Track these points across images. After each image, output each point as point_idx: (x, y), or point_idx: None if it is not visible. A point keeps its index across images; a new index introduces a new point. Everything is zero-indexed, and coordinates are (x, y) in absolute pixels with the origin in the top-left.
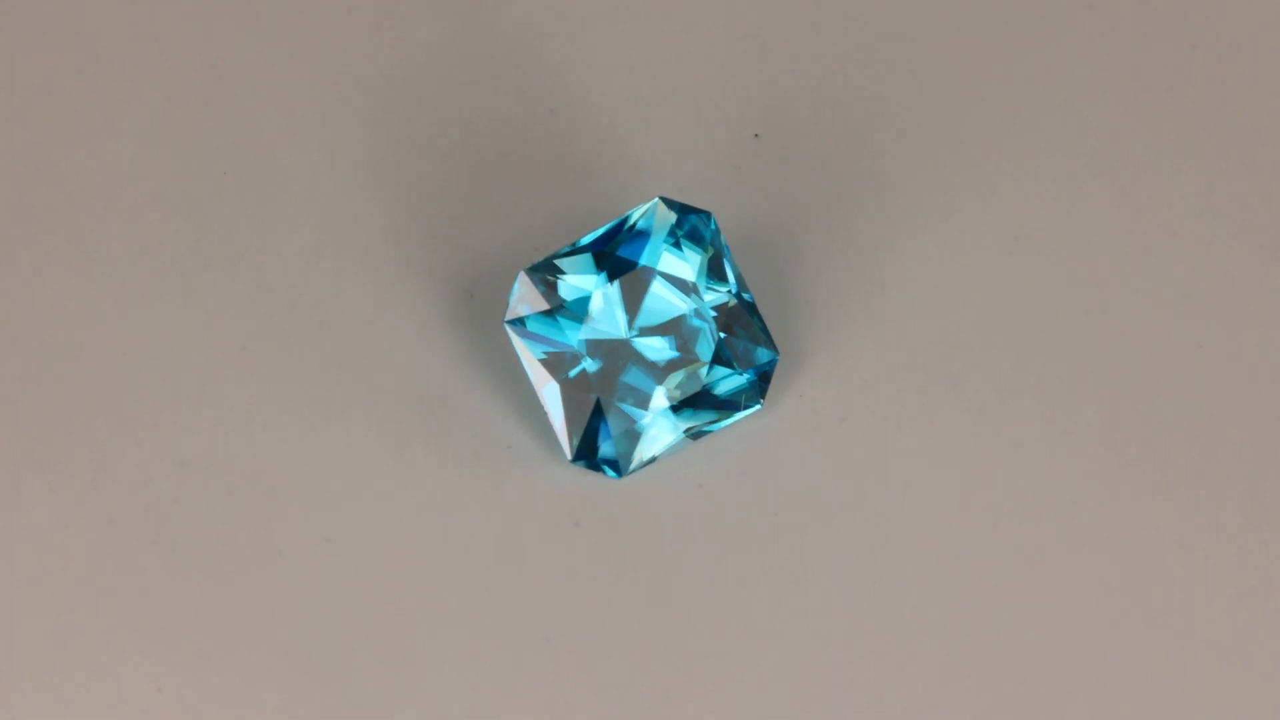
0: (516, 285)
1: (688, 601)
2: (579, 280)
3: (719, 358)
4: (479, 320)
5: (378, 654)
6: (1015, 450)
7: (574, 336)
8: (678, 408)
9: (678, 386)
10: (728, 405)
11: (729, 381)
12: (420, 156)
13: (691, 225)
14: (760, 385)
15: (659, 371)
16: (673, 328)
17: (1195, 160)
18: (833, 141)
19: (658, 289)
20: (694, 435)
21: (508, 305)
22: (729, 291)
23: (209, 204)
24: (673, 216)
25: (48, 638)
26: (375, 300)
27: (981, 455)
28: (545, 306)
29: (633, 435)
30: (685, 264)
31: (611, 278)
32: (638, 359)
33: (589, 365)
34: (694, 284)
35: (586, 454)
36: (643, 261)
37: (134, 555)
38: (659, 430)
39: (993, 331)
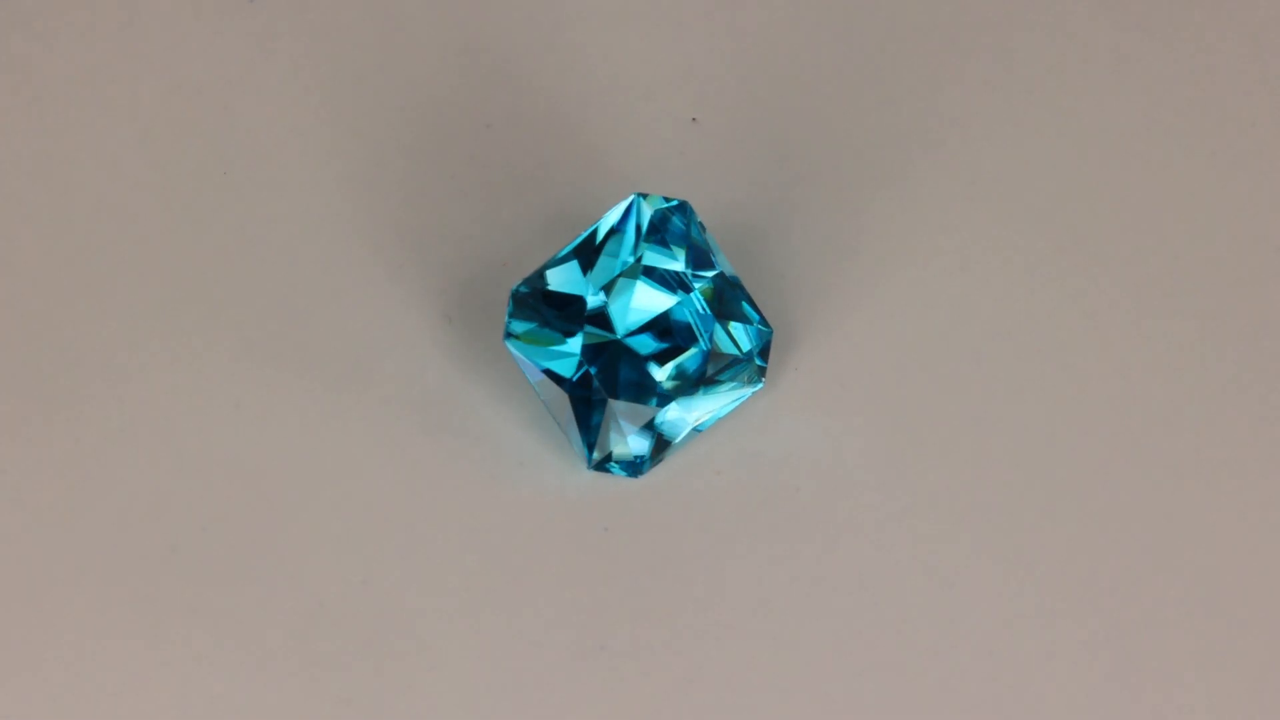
0: (510, 303)
1: (729, 588)
2: (569, 289)
3: (715, 343)
4: (474, 331)
5: (425, 676)
6: (1016, 394)
7: (573, 345)
8: (683, 398)
9: (679, 378)
10: (731, 389)
11: (728, 365)
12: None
13: (670, 217)
14: (759, 364)
15: (659, 366)
16: (666, 321)
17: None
18: (781, 123)
19: (646, 286)
20: (702, 424)
21: (506, 324)
22: (715, 275)
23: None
24: (650, 211)
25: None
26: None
27: (983, 400)
28: (540, 320)
29: (644, 433)
30: (669, 256)
31: (599, 282)
32: (636, 357)
33: (591, 371)
34: (680, 274)
35: (603, 459)
36: (627, 260)
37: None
38: (668, 424)
39: (972, 284)
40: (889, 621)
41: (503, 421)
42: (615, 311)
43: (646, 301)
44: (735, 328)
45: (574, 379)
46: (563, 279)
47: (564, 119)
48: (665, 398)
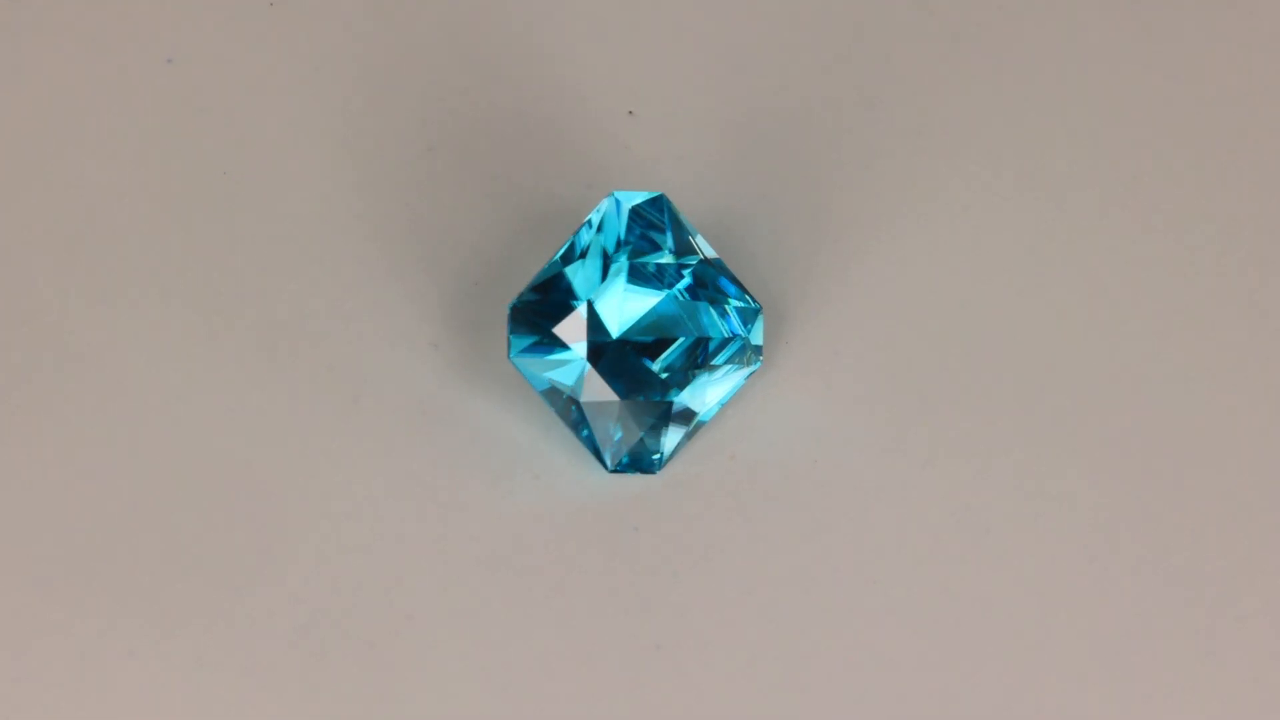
0: (509, 321)
1: (769, 571)
2: (562, 297)
3: (708, 328)
4: (471, 342)
5: (486, 696)
6: (1004, 345)
7: (574, 352)
8: (687, 388)
9: (680, 368)
10: (730, 371)
11: (725, 347)
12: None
13: (649, 211)
14: (754, 344)
15: (659, 359)
16: (658, 315)
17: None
18: (746, 110)
19: (634, 283)
20: (709, 411)
21: (508, 341)
22: (699, 261)
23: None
24: (628, 208)
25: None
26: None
27: (974, 356)
28: (540, 332)
29: (656, 428)
30: (653, 250)
31: (590, 286)
32: (636, 355)
33: (596, 374)
34: (666, 266)
35: (621, 459)
36: (614, 260)
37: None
38: (677, 415)
39: (952, 246)
40: (931, 575)
41: (510, 435)
42: (609, 313)
43: (637, 298)
44: (726, 309)
45: (580, 385)
46: (554, 288)
47: (533, 120)
48: (670, 389)
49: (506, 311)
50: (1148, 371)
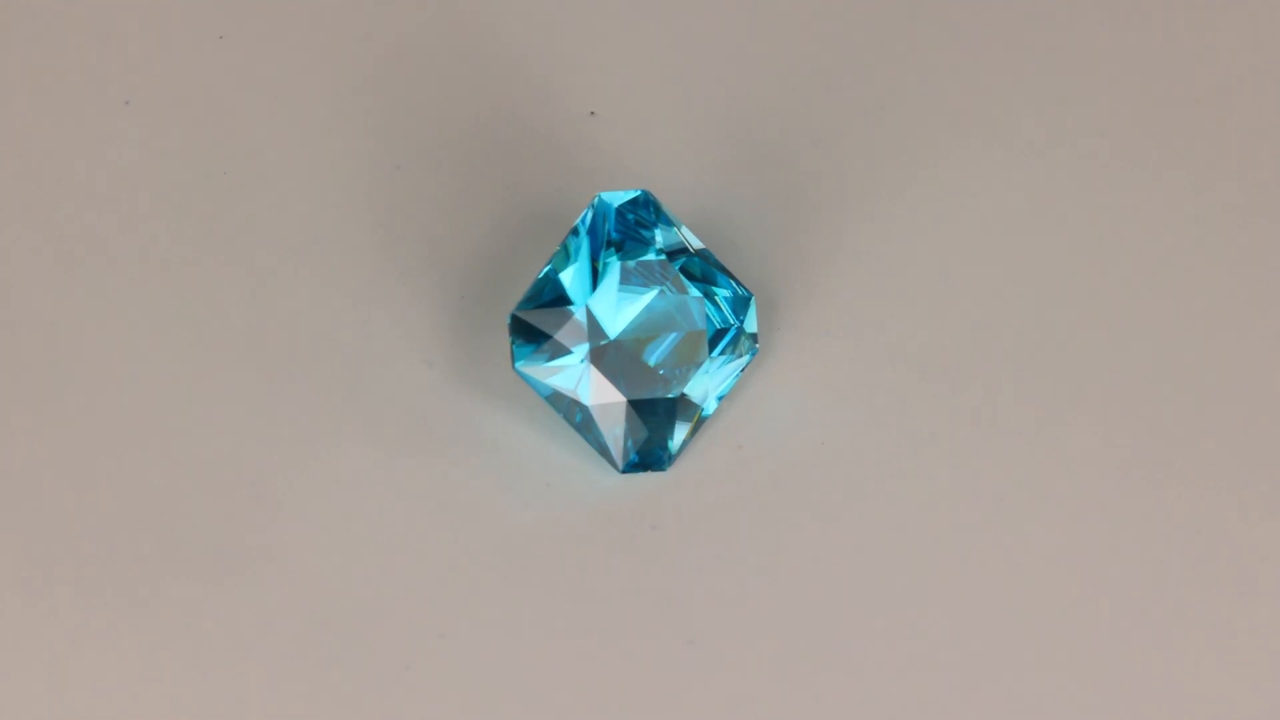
0: (510, 331)
1: (792, 558)
2: (558, 304)
3: (704, 320)
4: (467, 353)
5: (526, 705)
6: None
7: (575, 356)
8: (688, 381)
9: (679, 362)
10: (729, 361)
11: (721, 338)
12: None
13: (634, 209)
14: (749, 331)
15: (659, 356)
16: (653, 311)
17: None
18: (724, 105)
19: (626, 282)
20: (711, 403)
21: (511, 352)
22: (688, 255)
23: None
24: (614, 208)
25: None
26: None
27: (964, 328)
28: (544, 339)
29: (664, 425)
30: (641, 247)
31: (583, 289)
32: (636, 353)
33: (599, 376)
34: (655, 262)
35: (632, 458)
36: (605, 262)
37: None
38: (682, 410)
39: (932, 224)
40: (952, 543)
41: (516, 444)
42: (605, 315)
43: (631, 298)
44: (718, 300)
45: (584, 389)
46: (550, 295)
47: (498, 127)
48: (671, 384)
49: (506, 322)
50: (1142, 328)
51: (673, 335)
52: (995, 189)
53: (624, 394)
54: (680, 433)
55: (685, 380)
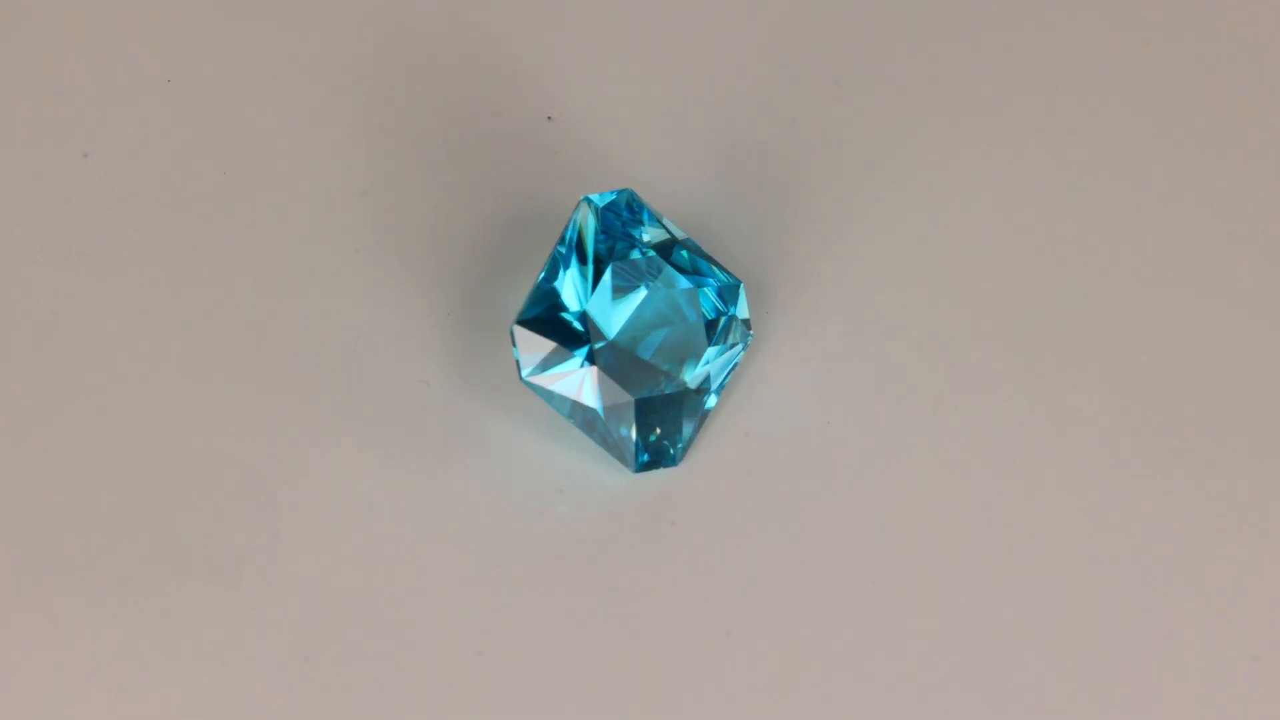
0: (515, 341)
1: (816, 541)
2: (555, 311)
3: (698, 310)
4: (465, 369)
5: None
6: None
7: (580, 360)
8: (689, 374)
9: (679, 357)
10: (725, 350)
11: (716, 327)
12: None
13: (619, 209)
14: (742, 318)
15: (657, 352)
16: (647, 307)
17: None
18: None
19: (620, 281)
20: (713, 393)
21: (516, 364)
22: (676, 248)
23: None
24: (599, 210)
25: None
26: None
27: (958, 288)
28: (548, 347)
29: (669, 420)
30: (629, 246)
31: (579, 294)
32: (636, 351)
33: (604, 379)
34: (647, 259)
35: (642, 457)
36: (595, 264)
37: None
38: (687, 403)
39: (904, 196)
40: (970, 508)
41: (525, 454)
42: (601, 317)
43: (624, 297)
44: (708, 290)
45: (591, 392)
46: (547, 303)
47: (509, 125)
48: (673, 378)
49: (508, 332)
50: (1134, 298)
51: (669, 329)
52: (974, 161)
53: (629, 393)
54: (688, 426)
55: (686, 373)
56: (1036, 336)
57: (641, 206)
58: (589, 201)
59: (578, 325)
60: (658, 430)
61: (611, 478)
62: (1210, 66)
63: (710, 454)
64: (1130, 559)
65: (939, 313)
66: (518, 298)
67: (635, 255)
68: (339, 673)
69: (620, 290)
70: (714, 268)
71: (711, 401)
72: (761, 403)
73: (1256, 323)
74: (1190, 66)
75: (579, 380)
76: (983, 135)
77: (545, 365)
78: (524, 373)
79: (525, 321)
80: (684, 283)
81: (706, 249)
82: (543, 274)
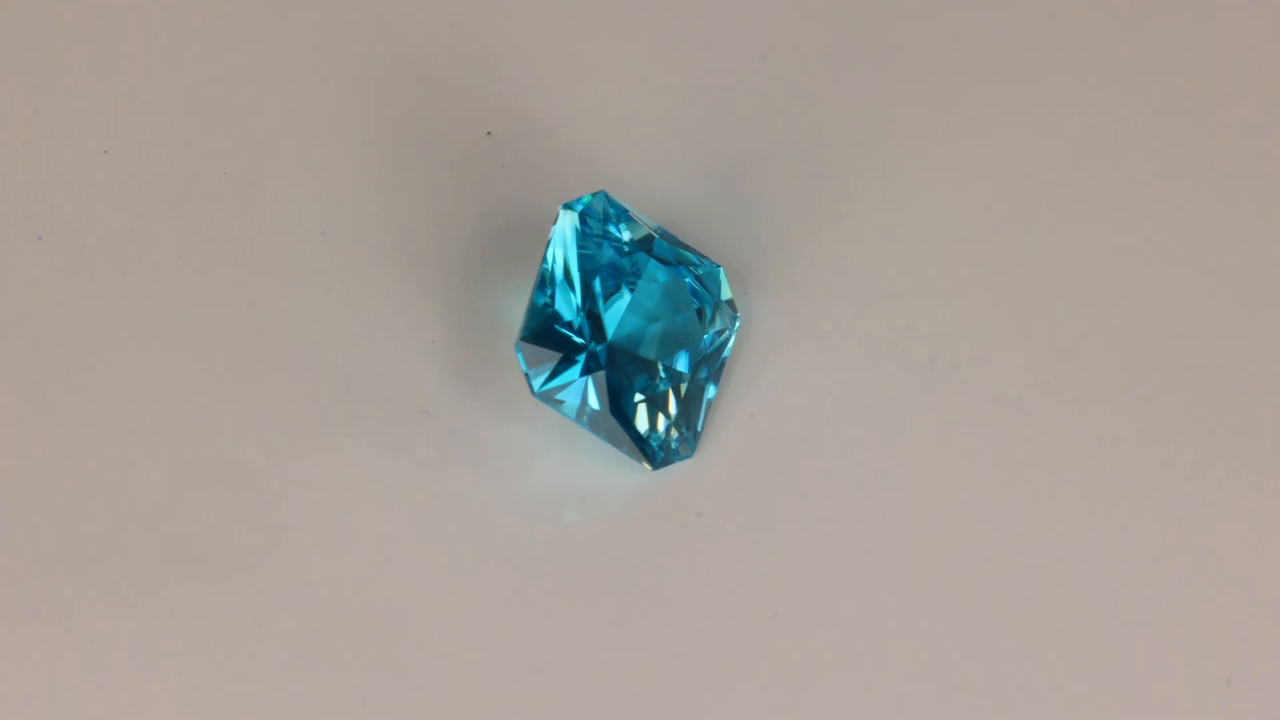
0: (520, 357)
1: (834, 508)
2: (552, 323)
3: (688, 301)
4: (469, 384)
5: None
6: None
7: (585, 367)
8: (687, 363)
9: (676, 349)
10: (717, 334)
11: (706, 315)
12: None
13: (595, 212)
14: (728, 303)
15: (655, 346)
16: (639, 305)
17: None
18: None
19: (609, 283)
20: (714, 380)
21: (527, 378)
22: (655, 242)
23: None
24: (577, 216)
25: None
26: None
27: (935, 246)
28: (553, 360)
29: (680, 412)
30: (611, 247)
31: (572, 303)
32: (635, 350)
33: (612, 382)
34: (632, 259)
35: (659, 455)
36: (581, 271)
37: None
38: (691, 395)
39: (853, 164)
40: (983, 458)
41: (539, 465)
42: (595, 322)
43: (614, 299)
44: (692, 279)
45: (600, 397)
46: (545, 318)
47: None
48: (675, 371)
49: (514, 353)
50: (1114, 274)
51: (662, 323)
52: (934, 128)
53: (636, 391)
54: (697, 416)
55: (686, 364)
56: (1016, 284)
57: (617, 205)
58: (568, 209)
59: (575, 334)
60: (669, 424)
61: (630, 478)
62: (1202, 61)
63: (720, 441)
64: (1135, 499)
65: (915, 269)
66: (511, 307)
67: (619, 256)
68: (348, 676)
69: (610, 293)
70: (694, 255)
71: (712, 391)
72: (760, 383)
73: (1251, 303)
74: (1176, 60)
75: (586, 386)
76: (945, 107)
77: (553, 377)
78: (535, 388)
79: (527, 339)
80: (669, 275)
81: (680, 238)
82: (535, 289)
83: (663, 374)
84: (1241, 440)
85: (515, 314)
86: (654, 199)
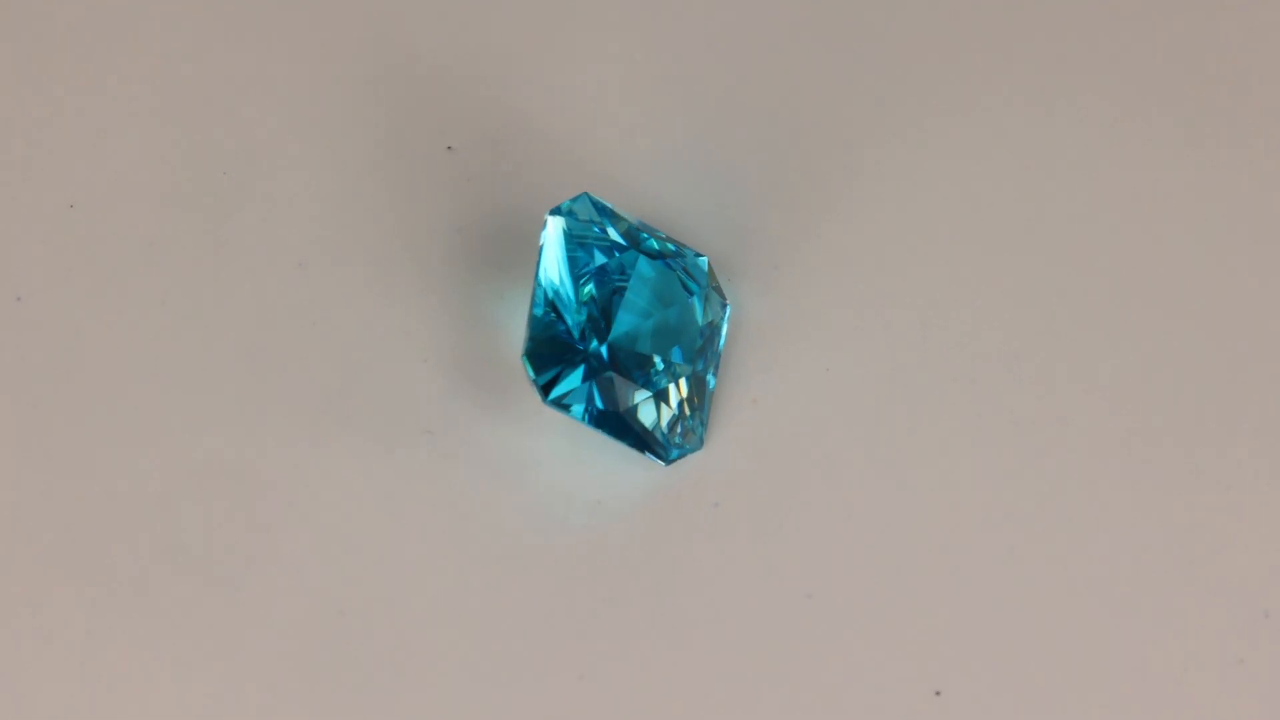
0: (528, 369)
1: (857, 479)
2: (552, 331)
3: (679, 293)
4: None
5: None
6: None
7: (593, 372)
8: (686, 356)
9: (675, 342)
10: (709, 322)
11: (697, 304)
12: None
13: (580, 213)
14: (716, 291)
15: (654, 342)
16: (633, 303)
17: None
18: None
19: (603, 285)
20: (712, 370)
21: (536, 386)
22: (643, 238)
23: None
24: (564, 220)
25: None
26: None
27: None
28: (558, 367)
29: (686, 406)
30: (597, 249)
31: (569, 309)
32: (635, 348)
33: (617, 382)
34: (621, 260)
35: (671, 450)
36: (576, 276)
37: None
38: (694, 386)
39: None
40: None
41: (548, 466)
42: (594, 324)
43: (609, 300)
44: (681, 272)
45: (608, 397)
46: (545, 326)
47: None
48: (676, 364)
49: (521, 363)
50: (1100, 258)
51: (657, 318)
52: (896, 112)
53: (646, 388)
54: (702, 407)
55: (687, 355)
56: (999, 244)
57: (600, 206)
58: (556, 214)
59: (578, 340)
60: (677, 418)
61: (645, 475)
62: (1196, 56)
63: (727, 429)
64: (1138, 474)
65: (894, 239)
66: (501, 316)
67: (608, 256)
68: (383, 691)
69: (605, 295)
70: (679, 247)
71: (712, 380)
72: (757, 368)
73: (1252, 291)
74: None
75: (592, 389)
76: (912, 85)
77: (561, 384)
78: (546, 398)
79: (531, 350)
80: (659, 270)
81: (662, 230)
82: (532, 300)
83: (665, 368)
84: (1239, 406)
85: (506, 322)
86: (624, 195)
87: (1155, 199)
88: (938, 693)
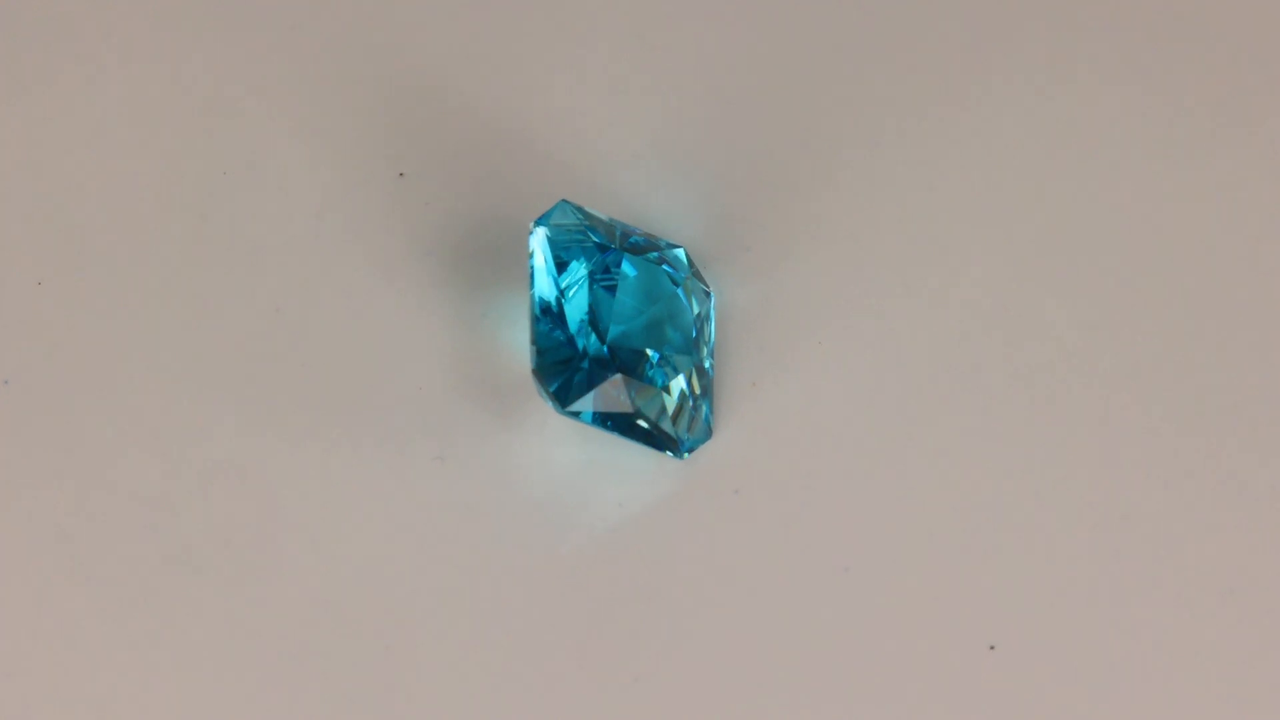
0: (539, 385)
1: (880, 449)
2: (553, 339)
3: (667, 285)
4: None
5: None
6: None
7: (600, 376)
8: (683, 347)
9: (670, 335)
10: (698, 311)
11: (682, 292)
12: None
13: (562, 221)
14: (699, 280)
15: (652, 338)
16: (626, 302)
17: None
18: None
19: (597, 288)
20: (709, 354)
21: (549, 400)
22: (624, 236)
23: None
24: (551, 229)
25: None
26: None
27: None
28: (567, 375)
29: (694, 398)
30: (583, 255)
31: (569, 317)
32: (635, 345)
33: (624, 383)
34: (606, 261)
35: (685, 443)
36: (568, 284)
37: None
38: (697, 377)
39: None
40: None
41: (565, 477)
42: (592, 328)
43: (602, 301)
44: (664, 265)
45: (618, 398)
46: (549, 335)
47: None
48: (675, 358)
49: (531, 377)
50: (1098, 243)
51: (650, 314)
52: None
53: (648, 384)
54: (707, 395)
55: (686, 346)
56: (975, 202)
57: (579, 210)
58: (539, 225)
59: (578, 345)
60: (684, 410)
61: (660, 471)
62: (1192, 52)
63: (732, 416)
64: (1136, 466)
65: (862, 207)
66: (485, 332)
67: (593, 259)
68: (424, 700)
69: (598, 297)
70: (656, 243)
71: (711, 366)
72: (749, 351)
73: (1258, 287)
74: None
75: (600, 392)
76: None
77: (572, 392)
78: (562, 407)
79: (540, 363)
80: (644, 267)
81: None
82: (531, 315)
83: (666, 362)
84: (1244, 397)
85: (506, 336)
86: (592, 195)
87: (1131, 187)
88: (992, 647)
